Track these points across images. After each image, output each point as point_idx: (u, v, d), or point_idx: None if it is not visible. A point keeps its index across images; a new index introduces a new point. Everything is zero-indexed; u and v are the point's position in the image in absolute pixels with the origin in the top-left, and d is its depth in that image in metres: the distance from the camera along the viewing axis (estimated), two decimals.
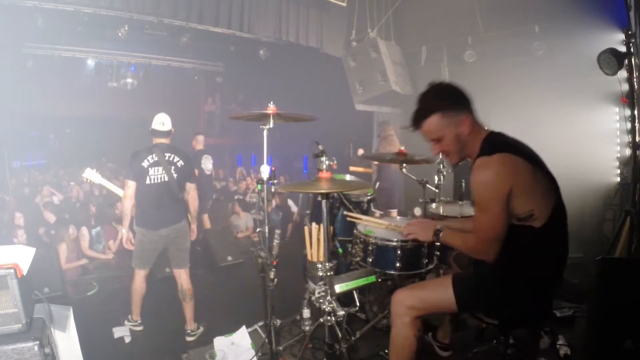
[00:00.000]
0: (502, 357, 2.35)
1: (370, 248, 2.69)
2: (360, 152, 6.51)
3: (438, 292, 2.01)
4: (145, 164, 3.35)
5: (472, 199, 1.99)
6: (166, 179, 3.40)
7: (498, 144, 1.87)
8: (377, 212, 3.55)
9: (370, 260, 2.63)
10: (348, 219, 2.90)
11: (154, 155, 3.38)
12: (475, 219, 1.90)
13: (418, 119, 1.95)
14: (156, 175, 3.38)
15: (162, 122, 3.45)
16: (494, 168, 1.77)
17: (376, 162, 5.99)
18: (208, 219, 6.44)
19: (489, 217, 1.79)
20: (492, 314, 2.10)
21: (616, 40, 5.06)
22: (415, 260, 2.69)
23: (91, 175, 3.90)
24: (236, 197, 8.17)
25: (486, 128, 2.00)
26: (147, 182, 3.35)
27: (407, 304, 2.02)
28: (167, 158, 3.42)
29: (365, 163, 6.47)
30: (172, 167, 3.42)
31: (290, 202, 7.65)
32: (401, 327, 2.03)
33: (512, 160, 1.78)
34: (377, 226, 2.71)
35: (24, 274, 1.80)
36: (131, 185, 3.35)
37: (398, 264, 2.53)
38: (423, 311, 2.04)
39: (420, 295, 2.05)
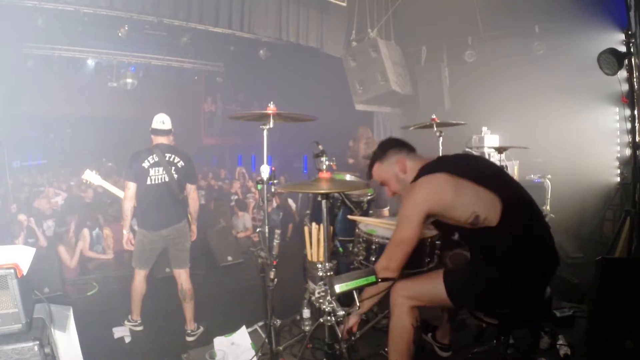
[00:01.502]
0: (502, 357, 2.35)
1: (374, 247, 2.69)
2: (351, 143, 6.42)
3: (431, 285, 2.11)
4: (145, 164, 3.34)
5: None
6: (167, 179, 3.39)
7: (425, 169, 2.10)
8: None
9: (374, 259, 2.64)
10: (349, 217, 2.90)
11: (154, 155, 3.37)
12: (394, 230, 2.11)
13: (368, 171, 2.36)
14: (157, 175, 3.37)
15: (162, 121, 3.45)
16: (415, 192, 2.02)
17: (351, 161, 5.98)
18: None
19: (404, 226, 2.01)
20: (483, 307, 2.14)
21: (616, 40, 5.07)
22: (417, 258, 2.69)
23: (90, 176, 3.89)
24: (233, 197, 8.17)
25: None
26: (148, 182, 3.34)
27: (404, 294, 2.11)
28: (167, 158, 3.42)
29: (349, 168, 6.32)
30: (173, 168, 3.42)
31: (290, 201, 7.64)
32: (398, 316, 2.11)
33: (433, 180, 2.01)
34: (379, 225, 2.72)
35: (24, 274, 1.80)
36: (131, 186, 3.35)
37: None
38: (419, 302, 2.12)
39: (416, 286, 2.15)
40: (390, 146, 2.29)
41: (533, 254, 1.98)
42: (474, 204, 1.95)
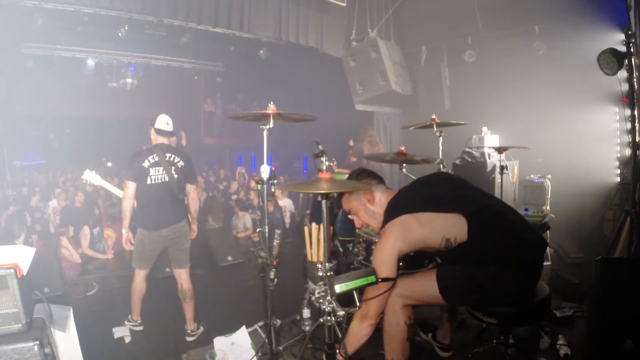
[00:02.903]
0: (502, 357, 2.35)
1: (374, 247, 2.69)
2: (351, 143, 6.48)
3: (424, 283, 2.14)
4: (145, 164, 3.34)
5: None
6: (167, 179, 3.39)
7: (390, 213, 2.17)
8: None
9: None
10: (349, 217, 2.89)
11: (154, 155, 3.37)
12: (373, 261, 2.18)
13: (339, 201, 2.41)
14: (157, 175, 3.37)
15: (166, 122, 3.45)
16: (384, 238, 2.10)
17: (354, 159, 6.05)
18: None
19: (381, 269, 2.04)
20: (478, 304, 2.16)
21: (616, 40, 5.07)
22: (417, 258, 2.70)
23: (90, 176, 3.89)
24: (233, 197, 8.16)
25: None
26: (148, 182, 3.34)
27: (396, 291, 2.11)
28: (167, 158, 3.42)
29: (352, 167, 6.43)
30: (173, 168, 3.42)
31: (284, 201, 7.58)
32: (391, 314, 2.13)
33: (397, 224, 2.08)
34: None
35: (24, 274, 1.80)
36: (131, 185, 3.35)
37: (401, 263, 2.54)
38: (411, 300, 2.14)
39: (408, 284, 2.16)
40: (362, 176, 2.38)
41: (511, 248, 2.04)
42: (441, 230, 2.05)
